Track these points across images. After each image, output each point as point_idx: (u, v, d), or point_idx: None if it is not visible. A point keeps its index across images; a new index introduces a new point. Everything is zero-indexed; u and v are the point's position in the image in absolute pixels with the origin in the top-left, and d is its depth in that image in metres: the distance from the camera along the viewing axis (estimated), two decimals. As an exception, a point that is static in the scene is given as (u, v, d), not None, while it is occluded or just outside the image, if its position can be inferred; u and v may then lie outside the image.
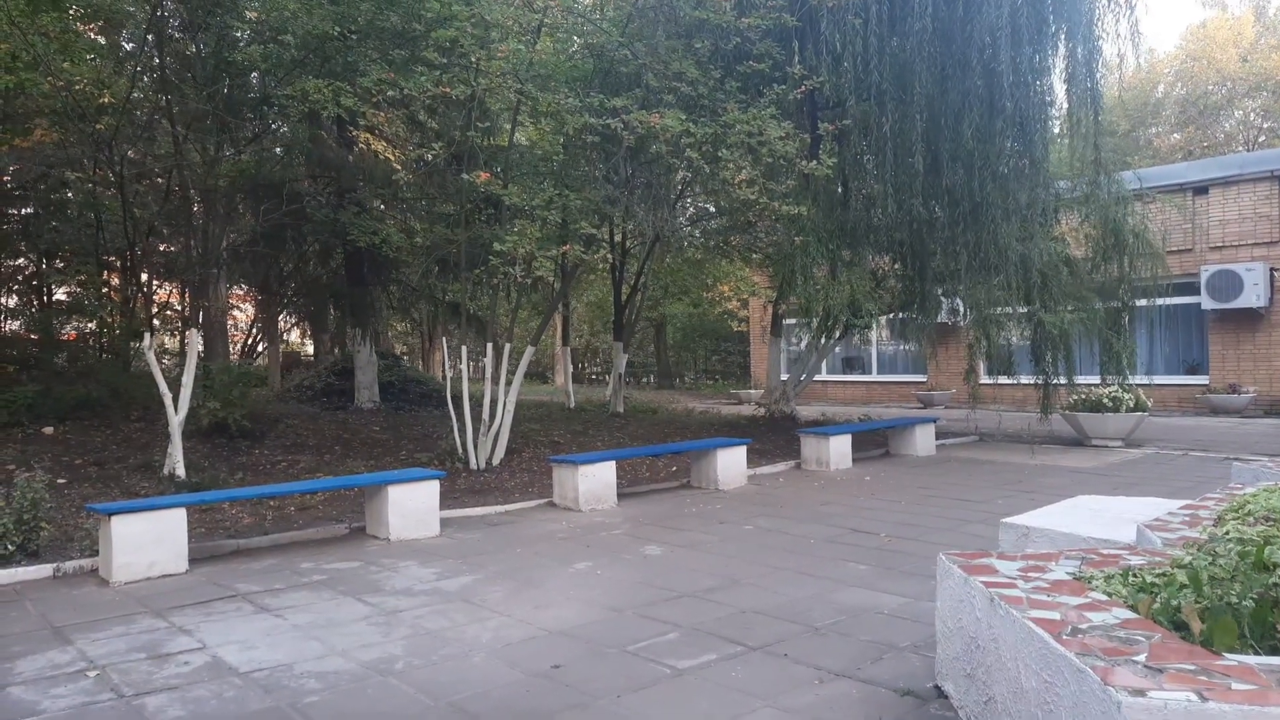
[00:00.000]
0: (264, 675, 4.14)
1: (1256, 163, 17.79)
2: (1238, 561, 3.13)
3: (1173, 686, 2.26)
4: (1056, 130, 13.31)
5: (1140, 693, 2.23)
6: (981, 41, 10.80)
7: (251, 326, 23.11)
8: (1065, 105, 12.19)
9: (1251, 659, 2.48)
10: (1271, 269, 16.82)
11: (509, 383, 10.51)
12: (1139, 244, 13.41)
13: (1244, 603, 2.81)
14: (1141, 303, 14.06)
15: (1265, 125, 33.01)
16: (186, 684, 4.05)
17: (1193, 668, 2.38)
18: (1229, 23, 33.84)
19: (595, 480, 8.50)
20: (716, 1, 10.26)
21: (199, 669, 4.25)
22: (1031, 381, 13.11)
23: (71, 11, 9.15)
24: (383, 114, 10.25)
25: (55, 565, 6.16)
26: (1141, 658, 2.45)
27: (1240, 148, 31.55)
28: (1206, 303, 17.17)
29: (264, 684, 4.03)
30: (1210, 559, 3.22)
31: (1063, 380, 12.78)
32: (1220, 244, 17.59)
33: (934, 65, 11.06)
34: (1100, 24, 11.79)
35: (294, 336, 29.14)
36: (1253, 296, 16.58)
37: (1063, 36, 11.77)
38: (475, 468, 10.06)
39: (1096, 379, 13.34)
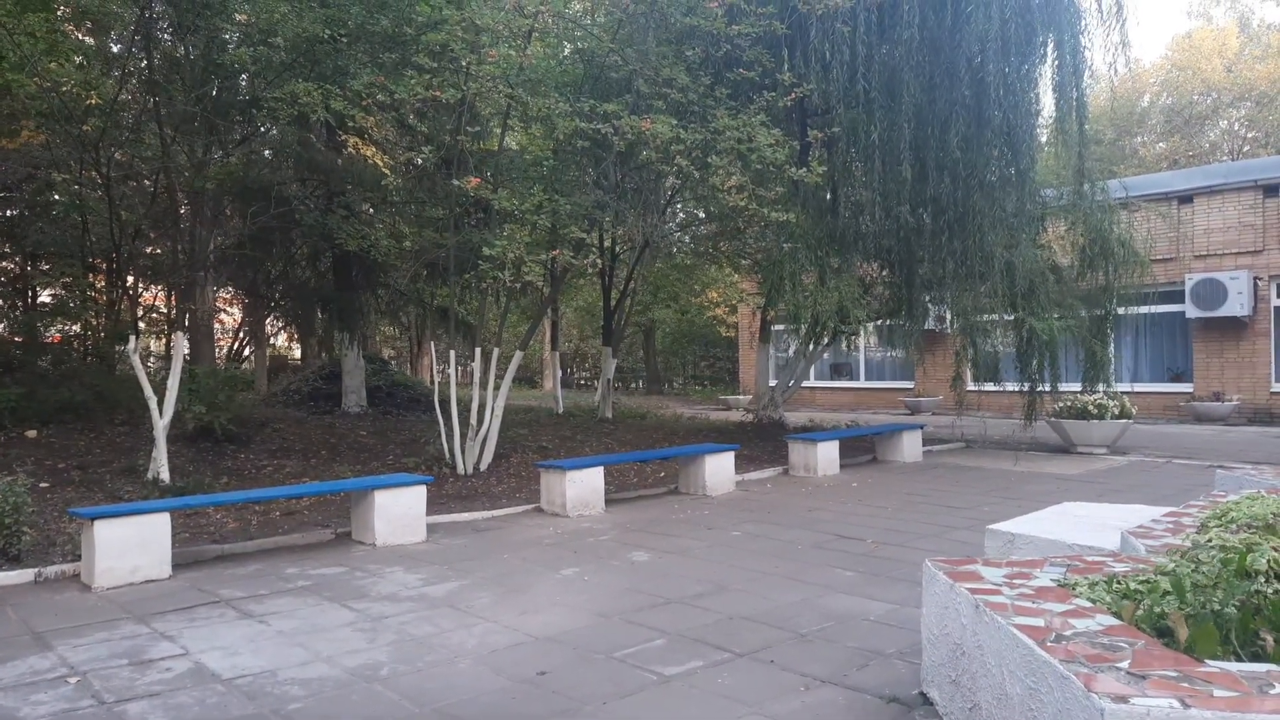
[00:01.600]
0: (247, 682, 4.11)
1: (1241, 172, 17.95)
2: (1221, 569, 3.15)
3: (1156, 693, 2.27)
4: (1044, 139, 13.40)
5: (1123, 699, 2.24)
6: (970, 51, 10.87)
7: (238, 330, 23.00)
8: (1052, 115, 12.27)
9: (1234, 666, 2.50)
10: (1255, 278, 16.96)
11: (497, 387, 10.49)
12: (1124, 252, 13.50)
13: (1227, 610, 2.83)
14: (1126, 310, 14.14)
15: (1249, 135, 33.33)
16: (169, 690, 4.02)
17: (1175, 674, 2.39)
18: (1214, 33, 34.17)
19: (583, 486, 8.49)
20: (707, 8, 10.30)
21: (181, 675, 4.21)
22: (1017, 388, 13.18)
23: (59, 12, 9.10)
24: (372, 118, 10.24)
25: (37, 570, 6.10)
26: (1125, 664, 2.46)
27: (1225, 157, 31.85)
28: (1191, 311, 17.30)
29: (247, 690, 4.00)
30: (1193, 566, 3.24)
31: (1047, 387, 12.85)
32: (1205, 253, 17.73)
33: (922, 74, 11.13)
34: (1088, 34, 11.89)
35: (281, 340, 29.01)
36: (1237, 305, 16.72)
37: (1050, 47, 11.85)
38: (463, 473, 10.03)
39: (1079, 386, 13.42)
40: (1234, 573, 3.09)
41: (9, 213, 13.79)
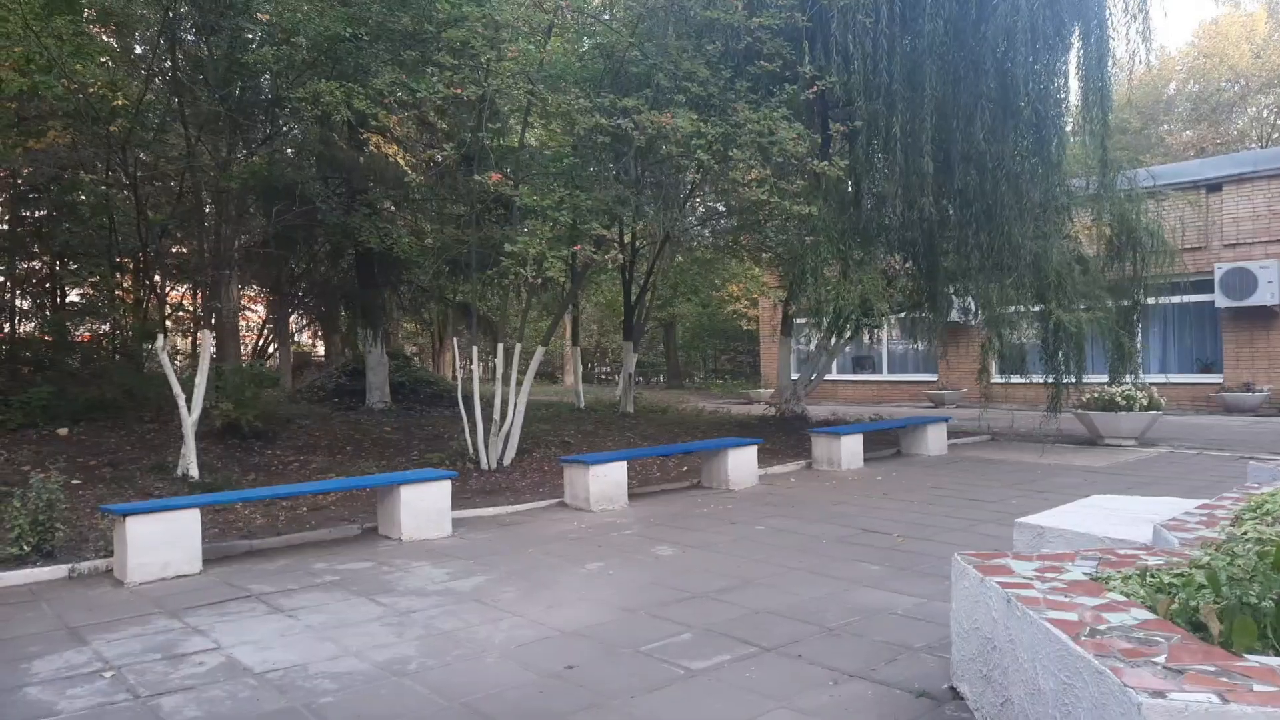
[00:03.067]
0: (278, 676, 4.15)
1: (1270, 159, 17.66)
2: (1256, 562, 3.11)
3: (1193, 688, 2.25)
4: (1069, 128, 13.24)
5: (1160, 694, 2.22)
6: (995, 43, 10.74)
7: (263, 327, 23.21)
8: (1078, 105, 12.13)
9: (1272, 660, 2.46)
10: (1286, 267, 16.69)
11: (519, 383, 10.52)
12: (1152, 242, 13.34)
13: (1264, 603, 2.79)
14: (1155, 301, 13.95)
15: (1279, 122, 32.76)
16: (202, 684, 4.07)
17: (1213, 669, 2.36)
18: (1241, 19, 33.59)
19: (606, 480, 8.50)
20: (727, 1, 10.25)
21: (214, 669, 4.26)
22: (1042, 380, 13.05)
23: (86, 14, 9.20)
24: (394, 116, 10.29)
25: (70, 566, 6.19)
26: (1161, 659, 2.44)
27: (1254, 144, 31.32)
28: (1220, 300, 17.06)
29: (279, 684, 4.04)
30: (1228, 559, 3.20)
31: (1073, 379, 12.72)
32: (1234, 241, 17.47)
33: (945, 66, 11.03)
34: (1114, 25, 11.74)
35: (305, 337, 29.24)
36: (1267, 294, 16.46)
37: (1076, 37, 11.71)
38: (486, 468, 10.07)
39: (1106, 378, 13.28)
40: (1270, 566, 3.05)
41: (37, 213, 13.97)
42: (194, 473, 8.78)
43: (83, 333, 14.85)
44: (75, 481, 8.51)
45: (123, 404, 11.55)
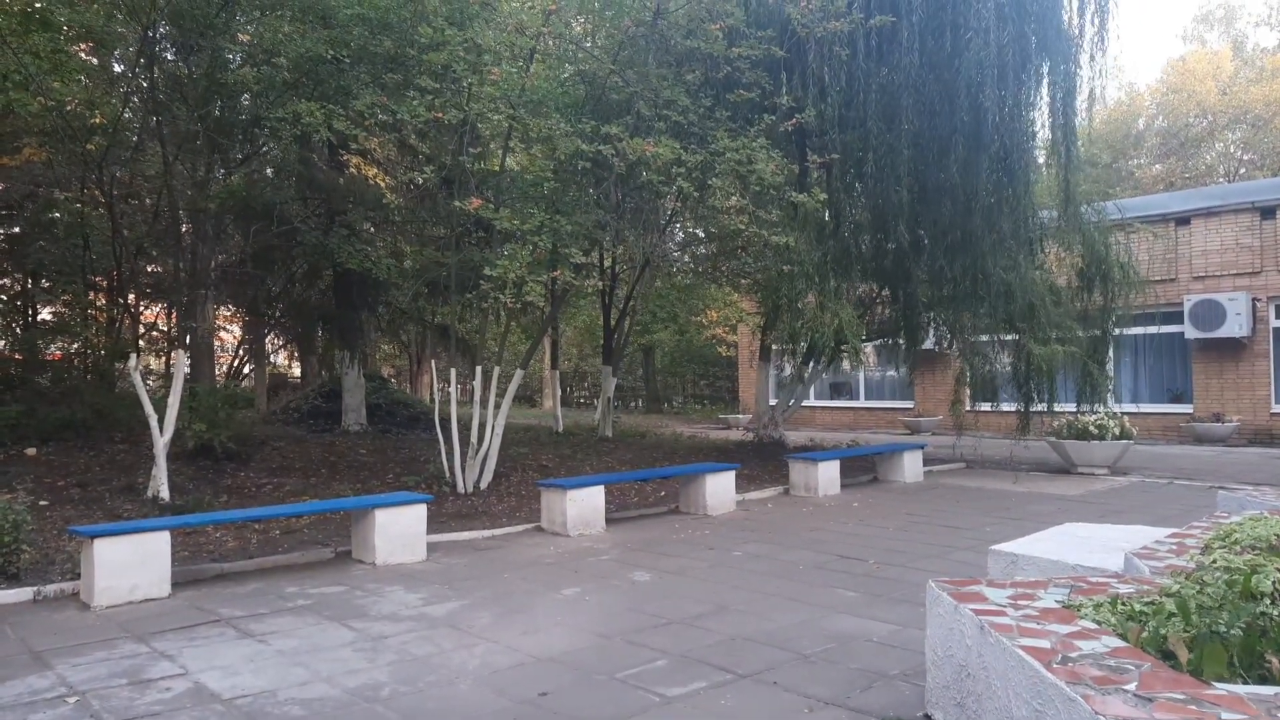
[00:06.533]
0: (247, 702, 4.09)
1: (1238, 194, 18.03)
2: (1225, 590, 3.15)
3: (1163, 716, 2.27)
4: (1040, 160, 13.49)
5: (1131, 722, 2.24)
6: (969, 76, 10.94)
7: (238, 348, 23.00)
8: (1049, 138, 12.38)
9: (1240, 688, 2.49)
10: (1254, 299, 17.01)
11: (497, 406, 10.48)
12: (1122, 274, 13.56)
13: (1232, 631, 2.83)
14: (1125, 331, 14.16)
15: (1245, 157, 33.51)
16: (168, 710, 3.99)
17: (1182, 697, 2.38)
18: (1208, 57, 34.45)
19: (584, 505, 8.47)
20: (707, 31, 10.38)
21: (181, 695, 4.19)
22: (1015, 409, 13.17)
23: (64, 31, 9.16)
24: (374, 138, 10.30)
25: (36, 588, 6.08)
26: (1132, 686, 2.46)
27: (1221, 179, 32.01)
28: (1190, 332, 17.33)
29: (247, 711, 3.98)
30: (1198, 587, 3.24)
31: (1044, 407, 12.85)
32: (1203, 274, 17.79)
33: (921, 99, 11.20)
34: (1079, 61, 12.03)
35: (281, 358, 28.98)
36: (1235, 326, 16.75)
37: (1045, 73, 11.99)
38: (463, 491, 10.00)
39: (1076, 406, 13.43)
40: (1239, 595, 3.09)
41: (11, 230, 13.83)
42: (165, 494, 8.66)
43: (54, 351, 14.65)
44: (43, 502, 8.36)
45: (93, 424, 11.38)
